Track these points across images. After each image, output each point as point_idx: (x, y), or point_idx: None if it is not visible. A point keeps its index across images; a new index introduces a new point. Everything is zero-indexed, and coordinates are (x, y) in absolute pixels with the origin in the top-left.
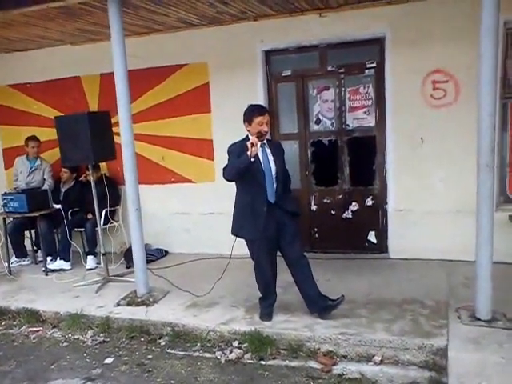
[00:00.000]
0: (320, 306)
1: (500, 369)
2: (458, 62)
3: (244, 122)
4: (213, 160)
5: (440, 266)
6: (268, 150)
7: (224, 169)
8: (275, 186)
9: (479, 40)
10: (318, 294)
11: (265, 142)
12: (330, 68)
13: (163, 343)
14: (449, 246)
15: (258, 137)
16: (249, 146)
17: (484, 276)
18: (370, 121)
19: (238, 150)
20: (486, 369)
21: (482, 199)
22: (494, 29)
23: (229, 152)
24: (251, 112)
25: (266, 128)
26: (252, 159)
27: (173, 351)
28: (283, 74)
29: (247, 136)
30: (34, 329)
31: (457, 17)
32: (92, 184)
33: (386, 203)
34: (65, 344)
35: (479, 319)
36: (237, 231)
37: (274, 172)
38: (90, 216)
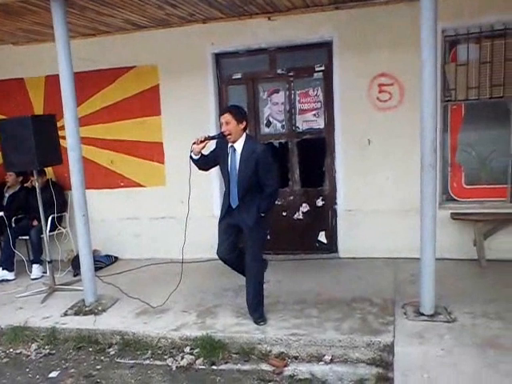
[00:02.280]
0: (251, 314)
1: (440, 360)
2: (401, 66)
3: None
4: (163, 163)
5: (387, 264)
6: (237, 154)
7: None
8: (236, 191)
9: (420, 46)
10: (252, 306)
11: (233, 144)
12: (279, 71)
13: (112, 352)
14: (395, 244)
15: (223, 136)
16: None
17: (427, 272)
18: (320, 123)
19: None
20: (428, 361)
21: (425, 198)
22: (433, 36)
23: None
24: None
25: (223, 128)
26: (195, 156)
27: (122, 360)
28: (234, 77)
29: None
30: None
31: (399, 23)
32: (37, 190)
33: (336, 203)
34: (5, 360)
35: (423, 314)
36: None
37: (236, 178)
38: (35, 223)
